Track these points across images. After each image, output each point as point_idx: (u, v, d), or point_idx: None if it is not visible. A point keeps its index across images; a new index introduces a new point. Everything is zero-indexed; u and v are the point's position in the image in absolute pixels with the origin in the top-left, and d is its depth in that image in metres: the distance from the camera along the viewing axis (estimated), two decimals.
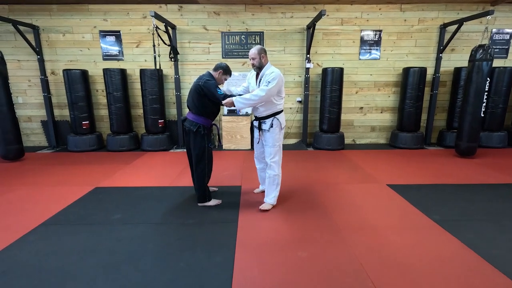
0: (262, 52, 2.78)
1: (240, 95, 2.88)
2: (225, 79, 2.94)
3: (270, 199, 2.94)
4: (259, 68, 2.83)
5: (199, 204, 2.98)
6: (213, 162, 2.99)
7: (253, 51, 2.77)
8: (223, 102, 2.76)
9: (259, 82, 2.82)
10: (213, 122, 2.98)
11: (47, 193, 3.35)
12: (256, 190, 3.39)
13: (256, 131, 3.03)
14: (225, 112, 5.41)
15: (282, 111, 2.91)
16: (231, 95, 2.85)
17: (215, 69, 2.87)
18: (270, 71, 2.77)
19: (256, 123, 2.99)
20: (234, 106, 2.78)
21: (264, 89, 2.66)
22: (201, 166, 2.87)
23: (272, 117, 2.84)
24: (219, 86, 2.88)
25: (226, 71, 2.90)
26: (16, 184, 3.62)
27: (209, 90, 2.73)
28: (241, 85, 3.17)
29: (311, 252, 2.16)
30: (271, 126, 2.84)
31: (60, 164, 4.54)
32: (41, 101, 5.65)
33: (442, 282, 1.84)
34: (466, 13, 5.32)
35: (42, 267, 2.01)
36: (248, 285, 1.82)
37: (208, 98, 2.78)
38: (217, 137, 3.11)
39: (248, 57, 5.42)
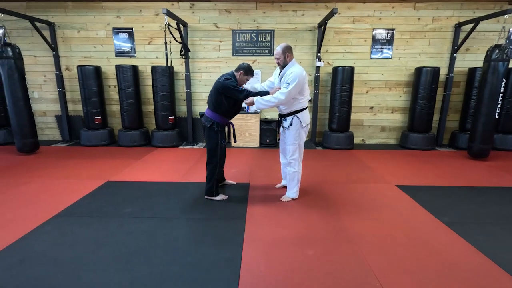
0: (287, 51, 2.77)
1: (264, 91, 2.93)
2: (247, 80, 2.97)
3: (292, 194, 3.08)
4: (283, 66, 2.84)
5: (206, 197, 3.07)
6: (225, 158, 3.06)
7: (278, 50, 2.77)
8: (245, 101, 2.80)
9: (280, 80, 2.84)
10: (229, 121, 3.03)
11: (61, 185, 3.45)
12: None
13: (281, 128, 3.08)
14: None
15: (304, 108, 2.90)
16: (256, 92, 2.88)
17: (237, 69, 2.91)
18: (290, 70, 2.74)
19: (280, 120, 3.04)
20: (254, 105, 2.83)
21: (283, 92, 2.70)
22: (213, 161, 2.96)
23: (293, 115, 2.87)
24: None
25: (247, 71, 2.91)
26: (31, 176, 3.74)
27: (228, 89, 2.77)
28: (267, 80, 3.15)
29: (318, 250, 2.17)
30: (291, 124, 2.88)
31: (73, 158, 4.65)
32: (55, 96, 5.79)
33: (451, 284, 1.82)
34: (482, 12, 5.19)
35: (57, 256, 2.08)
36: (255, 281, 1.84)
37: (226, 96, 2.82)
38: (231, 136, 3.18)
39: (258, 55, 5.56)
